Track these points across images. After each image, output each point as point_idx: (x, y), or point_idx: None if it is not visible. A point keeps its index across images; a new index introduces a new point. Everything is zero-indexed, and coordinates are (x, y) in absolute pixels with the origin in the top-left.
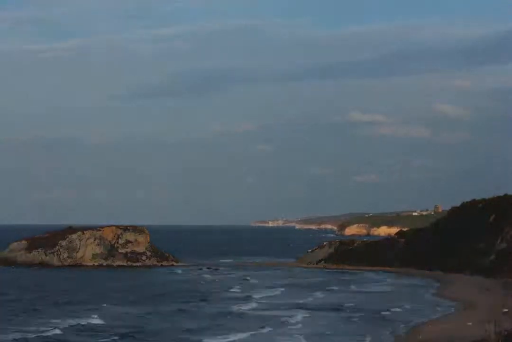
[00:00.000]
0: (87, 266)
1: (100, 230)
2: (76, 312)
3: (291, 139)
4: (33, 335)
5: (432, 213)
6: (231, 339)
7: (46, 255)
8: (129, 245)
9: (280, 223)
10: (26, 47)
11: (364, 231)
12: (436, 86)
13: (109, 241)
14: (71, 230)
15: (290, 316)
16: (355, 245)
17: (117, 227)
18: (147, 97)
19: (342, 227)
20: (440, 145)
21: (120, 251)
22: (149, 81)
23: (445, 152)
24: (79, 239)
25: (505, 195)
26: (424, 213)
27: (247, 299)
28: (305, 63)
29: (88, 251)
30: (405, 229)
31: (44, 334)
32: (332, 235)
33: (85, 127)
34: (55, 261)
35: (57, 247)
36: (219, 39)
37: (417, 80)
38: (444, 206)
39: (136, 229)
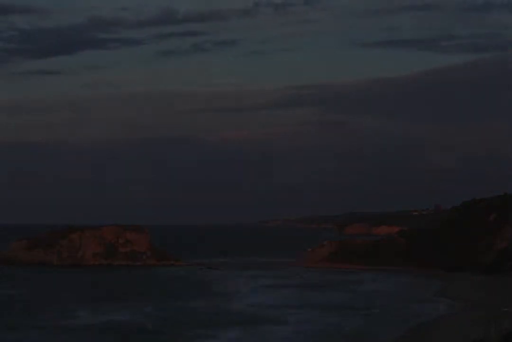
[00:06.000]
0: (87, 265)
1: (100, 230)
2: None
3: None
4: None
5: (432, 212)
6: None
7: (46, 254)
8: (129, 244)
9: (280, 223)
10: None
11: (364, 231)
12: None
13: (110, 240)
14: (72, 229)
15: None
16: (355, 244)
17: (118, 226)
18: None
19: (342, 226)
20: None
21: (120, 250)
22: None
23: None
24: (79, 238)
25: (505, 195)
26: (424, 213)
27: (243, 299)
28: None
29: (88, 250)
30: (405, 229)
31: None
32: (332, 235)
33: None
34: (55, 260)
35: (58, 247)
36: None
37: None
38: (445, 206)
39: (136, 228)
